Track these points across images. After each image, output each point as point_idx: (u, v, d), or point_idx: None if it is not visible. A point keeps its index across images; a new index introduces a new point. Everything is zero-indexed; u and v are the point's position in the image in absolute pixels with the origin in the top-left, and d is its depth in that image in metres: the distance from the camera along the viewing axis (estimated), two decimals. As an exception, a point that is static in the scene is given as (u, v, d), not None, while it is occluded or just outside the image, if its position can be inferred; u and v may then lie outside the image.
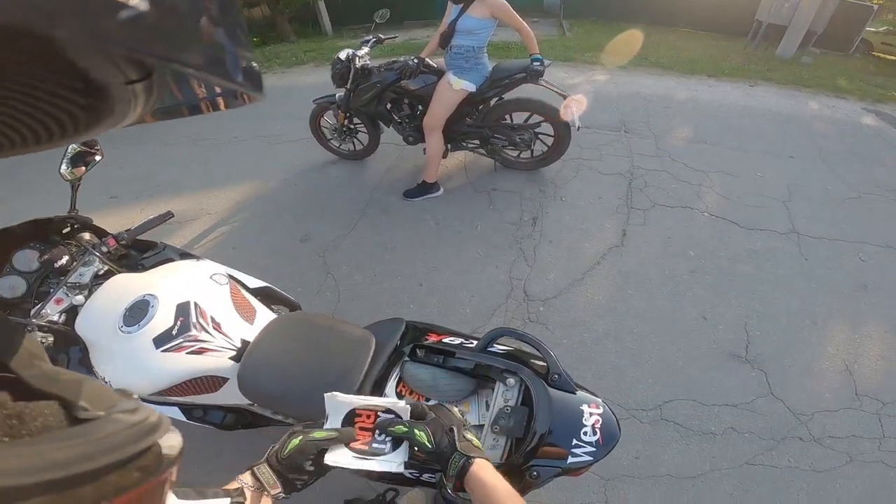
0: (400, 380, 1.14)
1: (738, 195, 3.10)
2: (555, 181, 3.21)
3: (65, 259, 1.45)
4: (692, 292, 2.40)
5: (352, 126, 3.40)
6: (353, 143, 3.56)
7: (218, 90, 0.26)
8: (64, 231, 1.54)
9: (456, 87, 2.70)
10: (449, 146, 3.06)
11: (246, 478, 0.63)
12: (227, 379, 1.19)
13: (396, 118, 3.10)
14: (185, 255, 1.67)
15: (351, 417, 0.74)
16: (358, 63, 2.88)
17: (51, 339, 1.26)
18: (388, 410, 0.74)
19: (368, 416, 0.74)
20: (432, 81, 2.83)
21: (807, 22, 6.90)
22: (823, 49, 8.22)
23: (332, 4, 9.37)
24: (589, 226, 2.85)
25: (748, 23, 7.82)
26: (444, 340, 1.14)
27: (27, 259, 1.44)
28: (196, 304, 1.20)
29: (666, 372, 2.05)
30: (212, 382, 1.20)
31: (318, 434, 0.67)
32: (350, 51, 2.97)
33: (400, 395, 1.12)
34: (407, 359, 1.15)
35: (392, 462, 0.70)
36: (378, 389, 1.10)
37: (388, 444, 0.71)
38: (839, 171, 3.57)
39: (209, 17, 0.20)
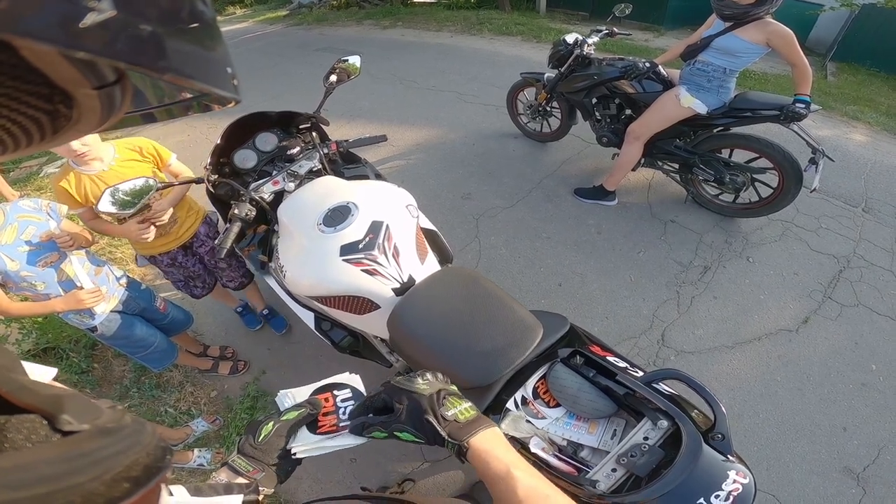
0: (541, 378, 1.13)
1: None
2: (748, 237, 2.77)
3: (296, 149, 1.69)
4: (848, 402, 2.01)
5: (548, 108, 3.36)
6: (543, 124, 3.54)
7: (190, 94, 0.25)
8: (302, 126, 1.80)
9: (684, 103, 2.45)
10: (643, 160, 2.83)
11: (222, 473, 0.60)
12: (379, 308, 1.23)
13: (598, 115, 2.96)
14: (379, 177, 1.85)
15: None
16: (584, 50, 2.79)
17: (254, 213, 1.46)
18: (338, 386, 0.72)
19: (327, 400, 0.70)
20: (656, 90, 2.62)
21: None
22: None
23: None
24: (768, 298, 2.43)
25: None
26: (608, 358, 1.10)
27: (267, 140, 1.73)
28: (387, 227, 1.28)
29: (766, 462, 1.82)
30: (364, 305, 1.24)
31: (290, 415, 0.64)
32: (578, 36, 2.89)
33: (536, 393, 1.11)
34: (559, 361, 1.13)
35: (358, 437, 0.66)
36: (520, 379, 1.10)
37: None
38: None
39: (178, 22, 0.20)
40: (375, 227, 1.27)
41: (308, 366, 2.21)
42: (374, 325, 1.31)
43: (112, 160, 1.63)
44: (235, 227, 1.41)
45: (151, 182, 1.42)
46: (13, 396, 0.22)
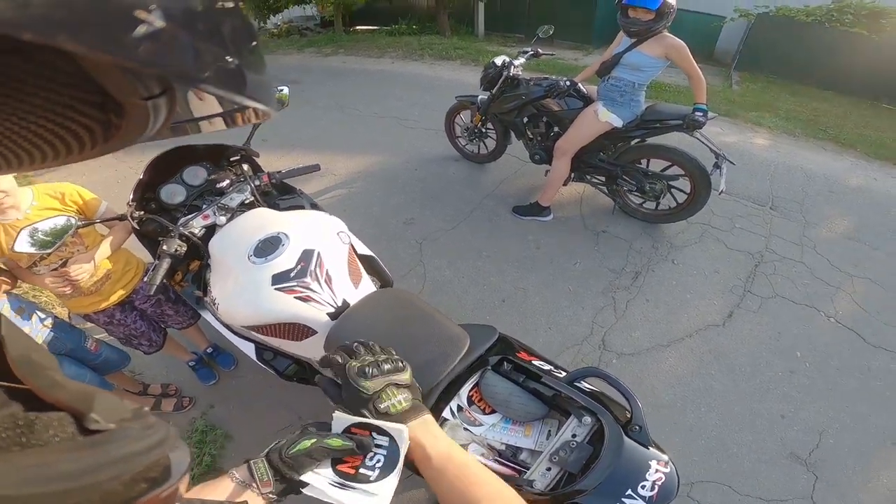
0: (475, 386, 1.16)
1: (876, 309, 2.60)
2: (672, 241, 2.98)
3: (226, 182, 1.66)
4: (781, 390, 2.16)
5: (484, 130, 3.48)
6: (480, 146, 3.65)
7: (233, 107, 0.26)
8: (231, 159, 1.78)
9: (602, 118, 2.63)
10: (573, 175, 2.99)
11: (240, 471, 0.59)
12: (316, 333, 1.25)
13: (529, 134, 3.10)
14: (315, 206, 1.83)
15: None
16: (511, 71, 2.92)
17: (184, 248, 1.43)
18: (383, 432, 0.64)
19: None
20: (577, 107, 2.79)
21: None
22: None
23: (488, 8, 9.66)
24: (694, 296, 2.62)
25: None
26: (533, 362, 1.15)
27: (196, 174, 1.69)
28: (319, 255, 1.30)
29: (715, 454, 1.92)
30: (301, 331, 1.26)
31: (334, 442, 0.61)
32: (506, 58, 3.03)
33: (471, 401, 1.14)
34: (489, 368, 1.17)
35: (372, 495, 0.59)
36: (453, 388, 1.13)
37: (376, 471, 0.61)
38: None
39: (224, 35, 0.21)
40: (307, 255, 1.29)
41: (258, 397, 2.16)
42: (312, 350, 1.32)
43: (28, 208, 1.52)
44: (165, 264, 1.37)
45: (72, 220, 1.35)
46: (44, 392, 0.23)
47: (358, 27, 12.33)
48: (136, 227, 1.55)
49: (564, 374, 1.13)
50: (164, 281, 1.43)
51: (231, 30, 0.21)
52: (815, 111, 5.55)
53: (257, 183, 1.65)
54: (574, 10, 8.73)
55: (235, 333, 1.53)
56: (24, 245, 1.30)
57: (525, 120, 3.06)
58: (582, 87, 2.82)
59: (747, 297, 2.63)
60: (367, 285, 1.42)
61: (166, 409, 2.17)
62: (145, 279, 1.37)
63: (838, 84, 7.25)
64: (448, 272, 2.77)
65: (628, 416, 1.00)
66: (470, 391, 1.15)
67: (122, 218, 1.54)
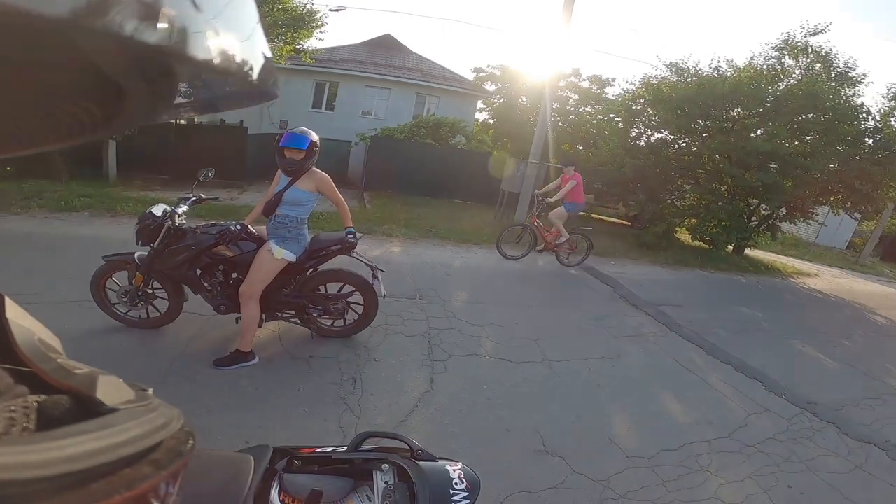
0: (281, 491, 1.16)
1: (505, 340, 4.10)
2: (367, 345, 3.59)
3: None
4: (493, 414, 2.99)
5: (149, 290, 3.13)
6: (147, 309, 3.22)
7: (234, 89, 0.26)
8: None
9: (277, 256, 2.82)
10: (264, 316, 3.07)
11: None
12: None
13: (207, 285, 3.02)
14: None
15: None
16: (176, 221, 2.80)
17: None
18: None
19: None
20: (251, 249, 2.90)
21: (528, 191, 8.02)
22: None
23: (122, 146, 8.43)
24: (403, 378, 3.24)
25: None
26: (316, 451, 1.23)
27: None
28: None
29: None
30: None
31: None
32: (166, 207, 2.88)
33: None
34: (282, 472, 1.19)
35: None
36: (260, 502, 1.08)
37: None
38: (564, 311, 5.14)
39: (228, 20, 0.21)
40: None
41: None
42: None
43: None
44: None
45: None
46: (49, 376, 0.24)
47: None
48: None
49: (345, 448, 1.26)
50: None
51: (235, 14, 0.22)
52: (420, 216, 8.00)
53: None
54: (226, 147, 8.83)
55: None
56: None
57: (199, 272, 2.98)
58: (252, 229, 2.95)
59: (436, 365, 3.48)
60: None
61: None
62: None
63: (428, 189, 10.09)
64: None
65: (410, 450, 1.19)
66: (280, 496, 1.16)
67: None
